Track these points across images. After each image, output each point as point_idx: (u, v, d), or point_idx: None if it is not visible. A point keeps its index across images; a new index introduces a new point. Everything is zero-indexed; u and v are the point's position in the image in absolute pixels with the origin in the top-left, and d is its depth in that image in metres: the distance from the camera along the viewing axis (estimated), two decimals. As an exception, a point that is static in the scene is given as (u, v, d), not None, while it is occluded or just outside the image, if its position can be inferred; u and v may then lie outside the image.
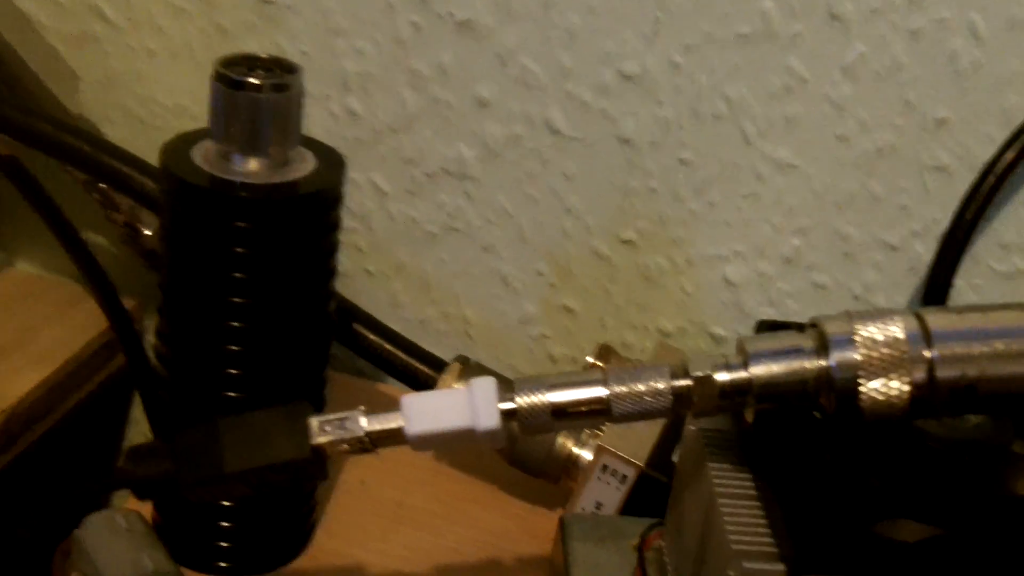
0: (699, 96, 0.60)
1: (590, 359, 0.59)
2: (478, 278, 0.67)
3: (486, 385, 0.37)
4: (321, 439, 0.38)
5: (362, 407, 0.39)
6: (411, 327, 0.68)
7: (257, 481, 0.38)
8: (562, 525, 0.51)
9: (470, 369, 0.58)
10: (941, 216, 0.60)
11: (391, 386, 0.66)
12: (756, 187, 0.61)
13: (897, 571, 0.37)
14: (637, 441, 0.54)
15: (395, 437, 0.38)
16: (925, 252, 0.60)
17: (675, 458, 0.53)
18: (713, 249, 0.63)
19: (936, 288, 0.58)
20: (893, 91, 0.58)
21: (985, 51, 0.57)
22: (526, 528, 0.58)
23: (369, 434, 0.38)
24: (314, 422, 0.38)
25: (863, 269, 0.62)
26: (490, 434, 0.37)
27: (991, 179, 0.56)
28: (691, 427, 0.44)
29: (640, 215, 0.63)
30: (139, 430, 0.75)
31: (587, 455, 0.56)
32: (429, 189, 0.65)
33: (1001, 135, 0.58)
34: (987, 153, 0.58)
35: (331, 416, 0.38)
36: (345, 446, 0.38)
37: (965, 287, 0.61)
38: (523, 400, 0.37)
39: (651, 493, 0.54)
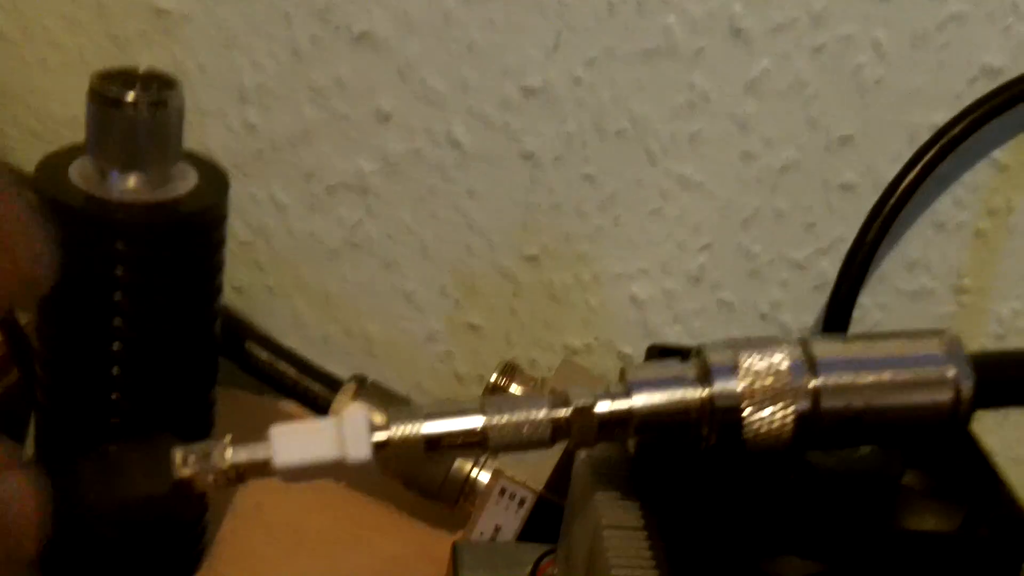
0: (602, 111, 0.59)
1: (493, 378, 0.58)
2: (381, 295, 0.65)
3: (357, 416, 0.36)
4: (185, 472, 0.36)
5: (229, 436, 0.37)
6: (314, 345, 0.66)
7: (122, 519, 0.37)
8: (455, 553, 0.50)
9: (366, 389, 0.57)
10: (847, 234, 0.59)
11: (293, 403, 0.65)
12: (661, 204, 0.60)
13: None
14: (536, 464, 0.53)
15: (262, 469, 0.36)
16: (831, 270, 0.60)
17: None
18: (619, 266, 0.62)
19: (839, 307, 0.57)
20: (797, 108, 0.58)
21: (889, 67, 0.57)
22: (424, 554, 0.57)
23: (235, 466, 0.36)
24: (177, 455, 0.36)
25: (769, 287, 0.61)
26: (361, 465, 0.35)
27: (895, 197, 0.56)
28: (580, 455, 0.43)
29: (544, 231, 0.62)
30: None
31: (484, 478, 0.55)
32: (329, 204, 0.64)
33: (907, 152, 0.57)
34: (893, 170, 0.58)
35: (195, 447, 0.36)
36: (211, 478, 0.36)
37: (872, 305, 0.60)
38: (396, 431, 0.36)
39: (551, 517, 0.52)
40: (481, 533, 0.54)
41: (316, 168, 0.63)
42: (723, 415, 0.35)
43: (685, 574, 0.36)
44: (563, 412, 0.36)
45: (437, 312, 0.65)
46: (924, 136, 0.57)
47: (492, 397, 0.37)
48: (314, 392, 0.59)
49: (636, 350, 0.64)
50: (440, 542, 0.57)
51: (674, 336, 0.62)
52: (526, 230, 0.62)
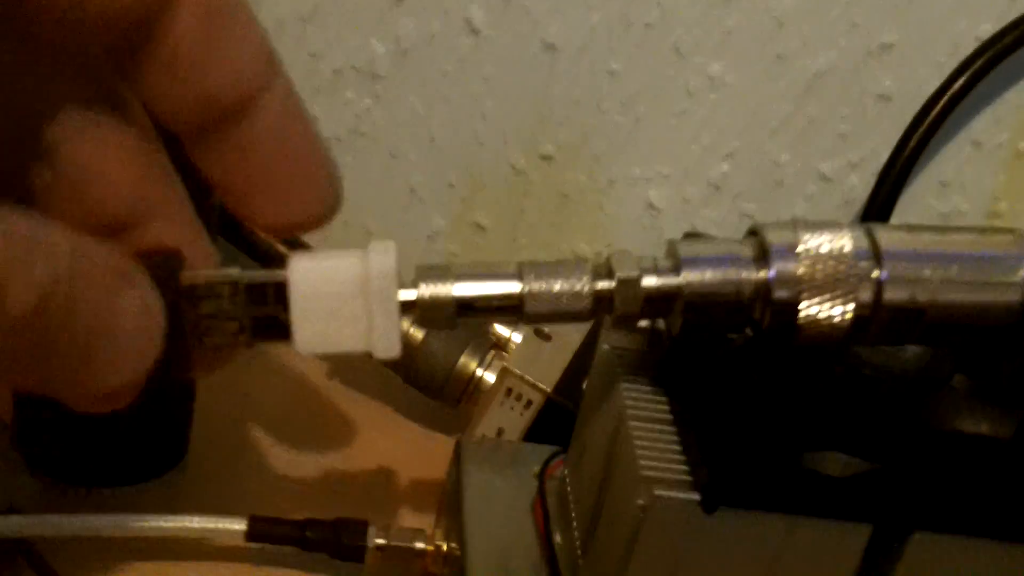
0: (630, 1, 0.56)
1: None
2: (384, 187, 0.62)
3: (386, 259, 0.32)
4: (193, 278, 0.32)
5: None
6: (309, 236, 0.63)
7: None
8: (458, 449, 0.47)
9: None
10: (880, 147, 0.56)
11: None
12: (686, 104, 0.57)
13: (822, 506, 0.33)
14: (545, 365, 0.51)
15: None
16: (861, 185, 0.57)
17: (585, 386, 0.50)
18: (637, 169, 0.59)
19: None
20: (839, 8, 0.55)
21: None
22: (421, 453, 0.54)
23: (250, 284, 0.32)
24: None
25: (794, 199, 0.58)
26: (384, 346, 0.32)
27: (936, 110, 0.53)
28: (604, 346, 0.40)
29: (561, 128, 0.59)
30: None
31: (490, 378, 0.52)
32: (335, 87, 0.60)
33: (950, 64, 0.54)
34: (932, 83, 0.55)
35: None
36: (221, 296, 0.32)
37: (900, 225, 0.57)
38: (427, 289, 0.33)
39: (557, 422, 0.50)
40: (483, 434, 0.51)
41: (323, 48, 0.60)
42: (779, 299, 0.32)
43: (717, 468, 0.33)
44: (607, 284, 0.33)
45: (442, 208, 0.62)
46: (968, 48, 0.54)
47: (530, 262, 0.33)
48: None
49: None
50: (438, 443, 0.55)
51: (691, 246, 0.60)
52: (542, 125, 0.59)
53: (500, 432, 0.51)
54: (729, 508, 0.33)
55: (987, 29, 0.54)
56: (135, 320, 0.29)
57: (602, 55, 0.57)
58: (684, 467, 0.34)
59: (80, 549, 0.45)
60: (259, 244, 0.56)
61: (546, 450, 0.46)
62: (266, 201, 0.33)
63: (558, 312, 0.33)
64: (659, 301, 0.33)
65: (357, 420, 0.55)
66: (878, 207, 0.54)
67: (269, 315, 0.32)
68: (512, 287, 0.33)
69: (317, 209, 0.34)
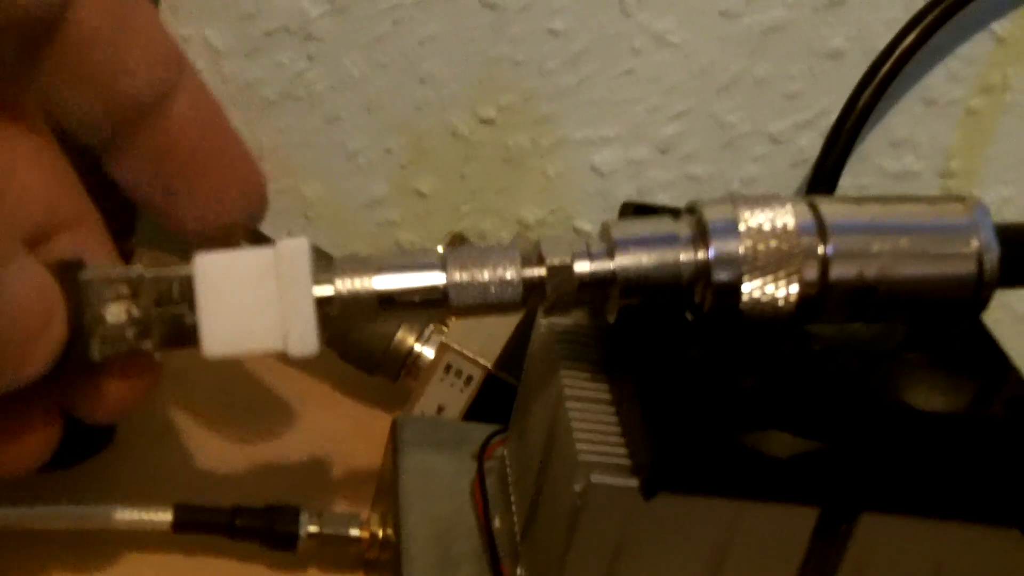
0: (574, -42, 0.54)
1: (440, 249, 0.53)
2: (321, 152, 0.60)
3: (299, 250, 0.30)
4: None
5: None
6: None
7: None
8: (394, 428, 0.45)
9: (303, 252, 0.52)
10: (831, 107, 0.54)
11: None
12: (632, 63, 0.55)
13: (767, 489, 0.32)
14: (486, 339, 0.49)
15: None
16: (811, 146, 0.55)
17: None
18: (582, 132, 0.57)
19: (821, 185, 0.52)
20: (787, -37, 0.53)
21: (889, -76, 0.52)
22: (360, 430, 0.52)
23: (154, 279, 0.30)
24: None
25: (744, 161, 0.57)
26: (300, 343, 0.30)
27: (888, 65, 0.51)
28: (542, 322, 0.38)
29: (503, 90, 0.57)
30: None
31: (429, 353, 0.50)
32: (268, 49, 0.58)
33: (903, 19, 0.53)
34: (885, 39, 0.53)
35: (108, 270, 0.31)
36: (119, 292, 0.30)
37: (851, 187, 0.56)
38: (344, 284, 0.31)
39: (499, 397, 0.48)
40: (423, 412, 0.49)
41: (255, 9, 0.57)
42: (720, 281, 0.31)
43: (657, 452, 0.31)
44: (537, 271, 0.31)
45: (382, 174, 0.60)
46: (921, 2, 0.53)
47: (455, 249, 0.32)
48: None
49: (595, 225, 0.59)
50: (378, 419, 0.53)
51: (638, 210, 0.58)
52: (483, 87, 0.57)
53: (440, 409, 0.49)
54: (670, 493, 0.31)
55: (940, -17, 0.52)
56: (28, 299, 0.27)
57: (544, 14, 0.55)
58: (623, 451, 0.33)
59: (-2, 541, 0.43)
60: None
61: (486, 429, 0.44)
62: (189, 204, 0.32)
63: (487, 303, 0.31)
64: (593, 287, 0.31)
65: (293, 397, 0.54)
66: (828, 169, 0.52)
67: (175, 315, 0.30)
68: (436, 278, 0.31)
69: (242, 205, 0.33)
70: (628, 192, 0.58)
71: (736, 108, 0.56)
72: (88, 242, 0.31)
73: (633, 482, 0.31)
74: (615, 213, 0.57)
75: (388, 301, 0.31)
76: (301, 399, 0.54)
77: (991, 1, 0.53)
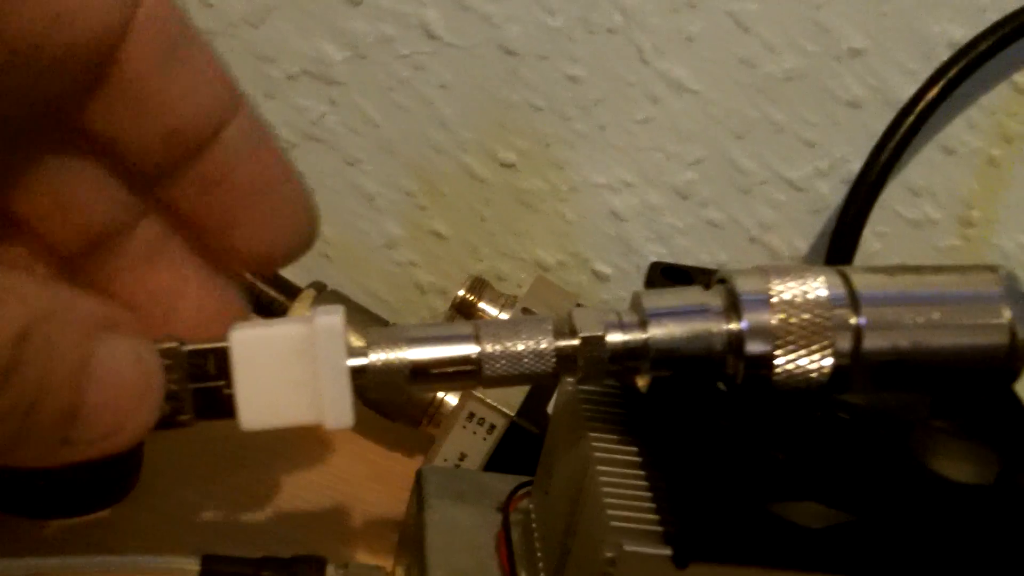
0: (592, 5, 0.54)
1: (461, 292, 0.53)
2: (340, 194, 0.60)
3: (333, 326, 0.30)
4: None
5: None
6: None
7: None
8: (419, 479, 0.45)
9: (324, 297, 0.52)
10: (850, 154, 0.55)
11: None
12: (650, 110, 0.56)
13: (799, 559, 0.32)
14: (508, 388, 0.49)
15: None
16: (830, 193, 0.56)
17: (551, 409, 0.48)
18: (600, 176, 0.58)
19: (845, 233, 0.53)
20: (806, 11, 0.53)
21: (908, -26, 0.52)
22: (378, 474, 0.52)
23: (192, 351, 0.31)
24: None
25: (761, 207, 0.57)
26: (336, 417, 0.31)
27: (913, 116, 0.51)
28: (568, 385, 0.38)
29: (522, 134, 0.57)
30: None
31: (452, 400, 0.50)
32: (289, 92, 0.58)
33: (922, 70, 0.53)
34: (904, 88, 0.53)
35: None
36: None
37: (869, 234, 0.56)
38: (377, 357, 0.31)
39: (521, 445, 0.48)
40: (445, 460, 0.49)
41: (276, 52, 0.57)
42: (753, 353, 0.31)
43: (689, 520, 0.32)
44: (570, 342, 0.32)
45: (400, 216, 0.60)
46: (941, 53, 0.53)
47: (487, 321, 0.32)
48: (268, 296, 0.54)
49: (613, 269, 0.59)
50: (396, 463, 0.53)
51: (656, 256, 0.58)
52: (502, 131, 0.57)
53: (463, 457, 0.49)
54: (703, 562, 0.31)
55: (959, 34, 0.53)
56: (127, 370, 0.28)
57: (563, 61, 0.55)
58: (654, 517, 0.33)
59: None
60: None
61: (509, 480, 0.44)
62: (241, 234, 0.32)
63: (519, 374, 0.31)
64: (625, 358, 0.31)
65: (315, 441, 0.54)
66: (850, 221, 0.53)
67: (211, 388, 0.30)
68: (470, 349, 0.31)
69: (294, 237, 0.33)
70: (646, 236, 0.58)
71: (754, 155, 0.56)
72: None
73: (665, 551, 0.31)
74: (632, 257, 0.58)
75: (421, 372, 0.31)
76: (318, 440, 0.54)
77: (1011, 51, 0.53)
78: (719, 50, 0.54)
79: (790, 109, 0.55)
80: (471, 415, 0.49)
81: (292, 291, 0.54)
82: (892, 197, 0.56)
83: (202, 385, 0.31)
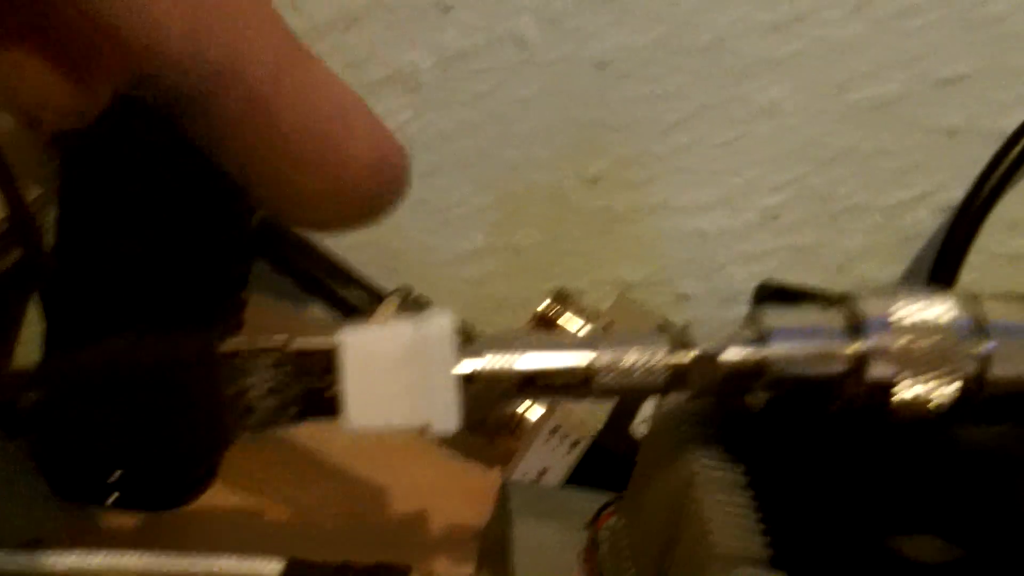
0: (684, 24, 0.53)
1: (544, 305, 0.52)
2: (419, 204, 0.60)
3: (443, 332, 0.30)
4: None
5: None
6: (340, 252, 0.61)
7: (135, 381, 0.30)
8: (504, 493, 0.45)
9: (409, 304, 0.52)
10: (945, 182, 0.54)
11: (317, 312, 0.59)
12: (740, 132, 0.55)
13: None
14: (592, 404, 0.48)
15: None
16: (923, 221, 0.55)
17: (634, 429, 0.48)
18: (686, 197, 0.57)
19: (946, 264, 0.51)
20: (905, 39, 0.52)
21: (1011, 3, 0.51)
22: (455, 485, 0.52)
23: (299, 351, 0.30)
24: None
25: (852, 234, 0.56)
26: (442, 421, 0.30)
27: (1017, 150, 0.50)
28: (668, 398, 0.38)
29: (607, 151, 0.57)
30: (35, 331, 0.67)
31: (534, 414, 0.50)
32: (375, 99, 0.58)
33: (1017, 100, 0.52)
34: (1003, 118, 0.52)
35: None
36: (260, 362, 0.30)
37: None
38: (487, 364, 0.30)
39: (601, 463, 0.48)
40: (525, 474, 0.49)
41: (364, 58, 0.57)
42: (874, 377, 0.30)
43: (798, 548, 0.31)
44: (683, 357, 0.31)
45: (478, 228, 0.60)
46: (1042, 84, 0.52)
47: (600, 332, 0.31)
48: (351, 301, 0.54)
49: (696, 291, 0.59)
50: (473, 475, 0.53)
51: (740, 279, 0.57)
52: (586, 148, 0.57)
53: (543, 472, 0.48)
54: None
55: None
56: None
57: (655, 77, 0.55)
58: (760, 540, 0.32)
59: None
60: (299, 264, 0.54)
61: (596, 498, 0.44)
62: (302, 168, 0.29)
63: (630, 386, 0.30)
64: (740, 377, 0.31)
65: (390, 449, 0.53)
66: (951, 251, 0.51)
67: (315, 387, 0.30)
68: (582, 357, 0.30)
69: (362, 161, 0.29)
70: (731, 258, 0.57)
71: (844, 180, 0.55)
72: None
73: (780, 576, 0.31)
74: (715, 280, 0.57)
75: (530, 382, 0.31)
76: (395, 449, 0.53)
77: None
78: (813, 74, 0.54)
79: (883, 136, 0.54)
80: (554, 429, 0.48)
81: (374, 295, 0.54)
82: (986, 230, 0.54)
83: (307, 385, 0.30)
